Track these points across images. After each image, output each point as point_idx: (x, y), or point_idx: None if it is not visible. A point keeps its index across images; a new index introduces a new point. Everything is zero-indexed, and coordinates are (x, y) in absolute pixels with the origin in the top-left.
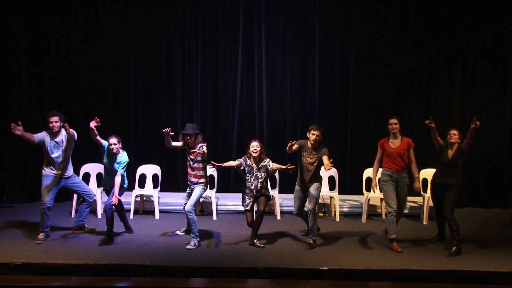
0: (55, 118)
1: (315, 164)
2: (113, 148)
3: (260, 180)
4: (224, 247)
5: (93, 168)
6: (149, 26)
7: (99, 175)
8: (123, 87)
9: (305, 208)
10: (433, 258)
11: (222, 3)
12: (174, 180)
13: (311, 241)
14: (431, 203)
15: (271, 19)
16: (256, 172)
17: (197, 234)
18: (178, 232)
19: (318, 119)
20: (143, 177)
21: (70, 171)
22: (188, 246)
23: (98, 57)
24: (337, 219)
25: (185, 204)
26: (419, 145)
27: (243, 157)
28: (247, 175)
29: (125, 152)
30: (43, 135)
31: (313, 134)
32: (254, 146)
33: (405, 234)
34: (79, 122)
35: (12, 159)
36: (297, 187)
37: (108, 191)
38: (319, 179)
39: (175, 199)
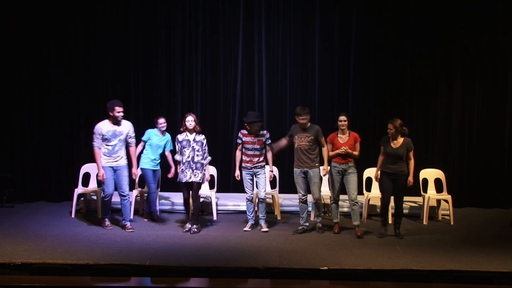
0: (122, 108)
1: (311, 143)
2: (163, 127)
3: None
4: (224, 247)
5: (93, 168)
6: (149, 26)
7: None
8: (123, 87)
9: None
10: (433, 258)
11: (222, 2)
12: (174, 180)
13: (320, 225)
14: (432, 203)
15: (271, 18)
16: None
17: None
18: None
19: (318, 119)
20: (143, 177)
21: (123, 161)
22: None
23: (98, 57)
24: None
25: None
26: (419, 145)
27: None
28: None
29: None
30: (100, 131)
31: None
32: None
33: (405, 234)
34: (79, 123)
35: (12, 159)
36: (296, 170)
37: (153, 170)
38: (318, 162)
39: (175, 199)
